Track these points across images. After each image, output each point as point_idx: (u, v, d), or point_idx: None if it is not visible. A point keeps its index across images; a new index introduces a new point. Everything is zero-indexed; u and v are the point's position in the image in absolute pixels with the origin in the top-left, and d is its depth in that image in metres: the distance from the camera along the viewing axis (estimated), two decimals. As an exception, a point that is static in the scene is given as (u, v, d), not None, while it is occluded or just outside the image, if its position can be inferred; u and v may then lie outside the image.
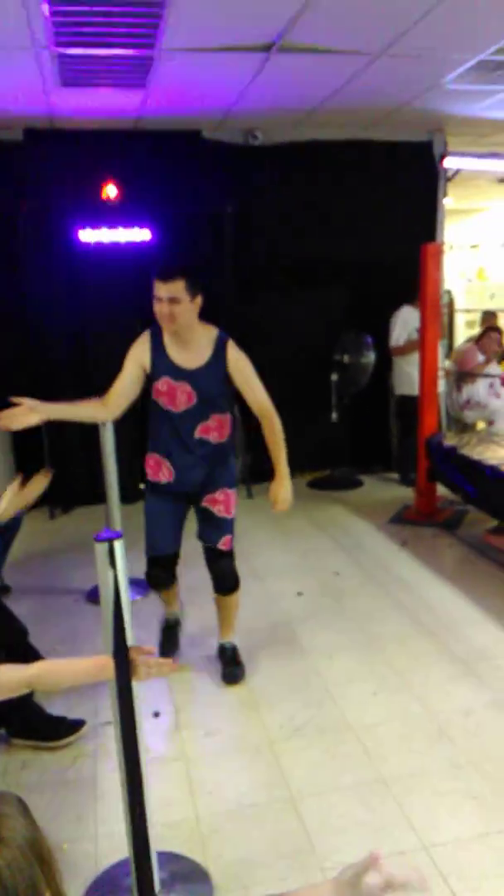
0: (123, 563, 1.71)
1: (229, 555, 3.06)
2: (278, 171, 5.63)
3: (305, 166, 5.68)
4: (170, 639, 3.37)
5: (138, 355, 2.86)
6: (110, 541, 1.68)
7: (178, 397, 2.84)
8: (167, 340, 2.84)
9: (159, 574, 3.12)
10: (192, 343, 2.83)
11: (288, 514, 2.99)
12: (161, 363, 2.84)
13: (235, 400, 2.97)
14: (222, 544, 3.03)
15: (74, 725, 2.75)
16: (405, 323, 5.66)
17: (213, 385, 2.84)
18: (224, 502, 2.99)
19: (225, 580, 3.08)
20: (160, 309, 2.72)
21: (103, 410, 2.91)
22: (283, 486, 2.89)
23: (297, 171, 5.67)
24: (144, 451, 3.05)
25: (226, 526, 3.02)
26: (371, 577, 4.21)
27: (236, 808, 2.39)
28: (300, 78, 4.42)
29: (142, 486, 3.19)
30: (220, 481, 2.98)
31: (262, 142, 5.57)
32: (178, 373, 2.82)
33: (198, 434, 2.88)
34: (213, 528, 3.02)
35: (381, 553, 4.60)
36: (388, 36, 3.74)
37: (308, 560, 4.46)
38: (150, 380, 2.87)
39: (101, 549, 1.68)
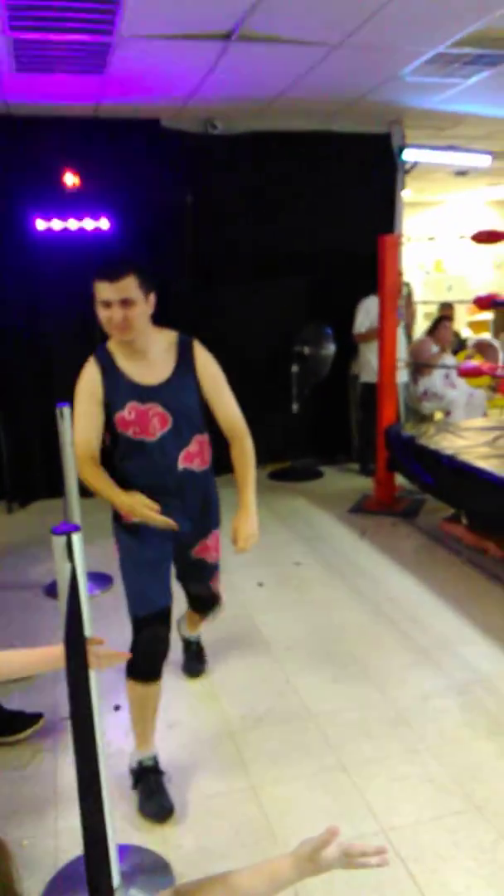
0: (81, 556, 1.70)
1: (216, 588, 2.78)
2: (238, 161, 5.61)
3: (265, 157, 5.67)
4: (159, 793, 2.38)
5: (91, 390, 2.33)
6: (68, 534, 1.67)
7: (150, 422, 2.33)
8: (119, 358, 2.34)
9: (161, 633, 2.40)
10: (151, 352, 2.35)
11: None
12: (120, 389, 2.32)
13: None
14: (213, 582, 2.74)
15: (32, 718, 2.74)
16: (368, 311, 5.70)
17: (186, 398, 2.37)
18: (215, 546, 2.64)
19: (207, 607, 2.84)
20: (111, 316, 2.22)
21: (94, 459, 2.34)
22: (249, 520, 2.41)
23: (256, 161, 5.66)
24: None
25: (216, 568, 2.70)
26: (331, 567, 4.25)
27: (197, 798, 2.40)
28: (259, 67, 4.41)
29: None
30: (210, 523, 2.59)
31: (221, 131, 5.54)
32: (143, 393, 2.32)
33: (182, 464, 2.39)
34: (206, 574, 2.69)
35: (342, 543, 4.64)
36: (347, 27, 3.75)
37: (269, 551, 4.47)
38: (110, 412, 2.34)
39: (58, 542, 1.67)
